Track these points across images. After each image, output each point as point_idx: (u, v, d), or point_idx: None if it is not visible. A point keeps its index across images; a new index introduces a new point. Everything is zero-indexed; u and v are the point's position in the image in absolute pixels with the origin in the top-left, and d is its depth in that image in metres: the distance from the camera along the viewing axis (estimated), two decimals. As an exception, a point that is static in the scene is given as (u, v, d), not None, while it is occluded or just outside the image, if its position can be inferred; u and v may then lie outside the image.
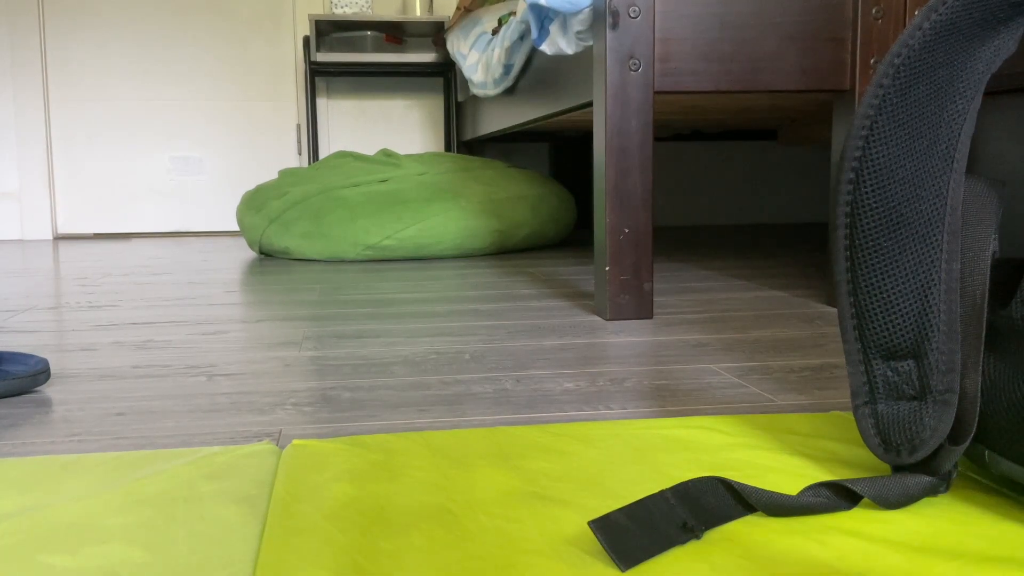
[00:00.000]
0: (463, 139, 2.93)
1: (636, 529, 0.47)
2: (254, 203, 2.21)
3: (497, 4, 2.15)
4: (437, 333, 1.13)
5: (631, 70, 1.16)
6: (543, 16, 1.47)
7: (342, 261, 2.09)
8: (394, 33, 2.85)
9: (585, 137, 2.98)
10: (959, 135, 0.59)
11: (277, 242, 2.14)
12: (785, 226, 2.97)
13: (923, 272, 0.58)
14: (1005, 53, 0.59)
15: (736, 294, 1.44)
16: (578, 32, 1.33)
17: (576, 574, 0.45)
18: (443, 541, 0.49)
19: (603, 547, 0.47)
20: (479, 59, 2.12)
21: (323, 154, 3.02)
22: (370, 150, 3.06)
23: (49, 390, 0.86)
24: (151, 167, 2.99)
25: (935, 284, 0.57)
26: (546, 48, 1.48)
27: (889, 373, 0.58)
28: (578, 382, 0.86)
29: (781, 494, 0.52)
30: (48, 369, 0.86)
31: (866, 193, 0.59)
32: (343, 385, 0.86)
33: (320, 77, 3.01)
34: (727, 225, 3.07)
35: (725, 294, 1.45)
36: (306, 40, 2.82)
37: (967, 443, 0.55)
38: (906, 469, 0.56)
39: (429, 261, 2.08)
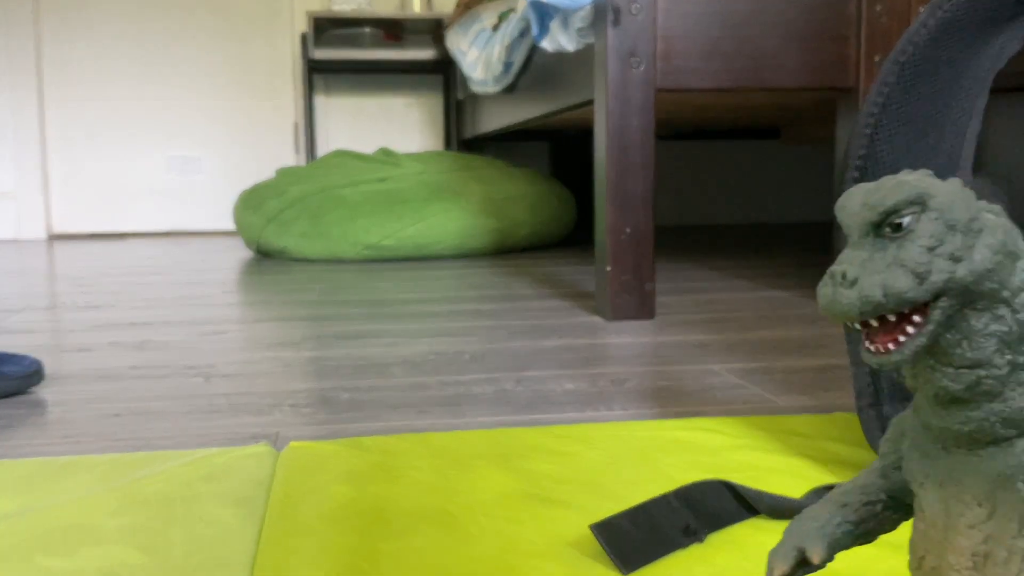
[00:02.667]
0: (463, 138, 2.92)
1: (638, 532, 0.47)
2: (252, 202, 2.20)
3: (497, 0, 2.15)
4: (437, 333, 1.12)
5: (632, 67, 1.15)
6: (544, 13, 1.46)
7: (341, 261, 2.09)
8: (393, 30, 2.85)
9: (586, 136, 2.97)
10: (964, 133, 0.58)
11: (275, 242, 2.13)
12: (788, 225, 2.97)
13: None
14: (1010, 51, 0.59)
15: (738, 294, 1.44)
16: (579, 29, 1.33)
17: (578, 578, 0.44)
18: (443, 543, 0.49)
19: (604, 550, 0.46)
20: (479, 56, 2.12)
21: (321, 153, 3.02)
22: (369, 148, 3.05)
23: (45, 391, 0.86)
24: (148, 166, 2.98)
25: (940, 284, 0.57)
26: (547, 45, 1.47)
27: (893, 374, 0.58)
28: (579, 383, 0.85)
29: (784, 497, 0.52)
30: (42, 370, 0.85)
31: (870, 192, 0.58)
32: (342, 386, 0.86)
33: (318, 74, 3.00)
34: (729, 224, 3.06)
35: (727, 294, 1.44)
36: (304, 37, 2.81)
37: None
38: (911, 471, 0.56)
39: (429, 261, 2.07)
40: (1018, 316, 0.25)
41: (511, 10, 1.94)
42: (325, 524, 0.52)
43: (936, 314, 0.25)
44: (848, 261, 0.25)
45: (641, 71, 1.16)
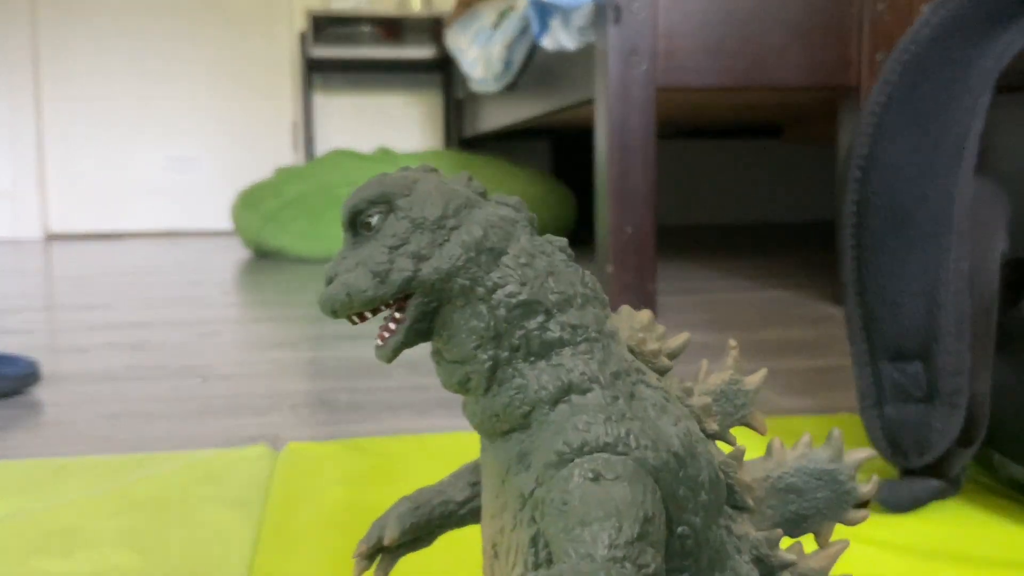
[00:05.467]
0: (463, 136, 2.91)
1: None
2: (250, 202, 2.20)
3: None
4: (436, 333, 1.12)
5: (633, 66, 1.15)
6: (544, 11, 1.46)
7: (340, 259, 2.08)
8: (392, 28, 2.84)
9: (587, 134, 2.96)
10: (968, 133, 0.58)
11: (273, 241, 2.13)
12: (791, 225, 2.96)
13: (931, 272, 0.57)
14: (1014, 49, 0.58)
15: (741, 294, 1.43)
16: (580, 27, 1.32)
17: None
18: (440, 545, 0.48)
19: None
20: (479, 55, 2.11)
21: (320, 151, 3.01)
22: (368, 147, 3.05)
23: (41, 392, 0.85)
24: (146, 165, 2.97)
25: (943, 284, 0.56)
26: (547, 43, 1.46)
27: (896, 375, 0.57)
28: (579, 383, 0.85)
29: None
30: (38, 371, 0.85)
31: (873, 191, 0.58)
32: (340, 387, 0.85)
33: (317, 73, 2.99)
34: (731, 224, 3.06)
35: (730, 294, 1.44)
36: (303, 35, 2.80)
37: (977, 446, 0.54)
38: (915, 473, 0.55)
39: (428, 259, 2.07)
40: (496, 312, 0.25)
41: (511, 8, 1.94)
42: (323, 526, 0.51)
43: (409, 312, 0.25)
44: (334, 260, 0.26)
45: (642, 69, 1.15)
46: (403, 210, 0.25)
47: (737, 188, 3.10)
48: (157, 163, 2.98)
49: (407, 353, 0.99)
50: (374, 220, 0.25)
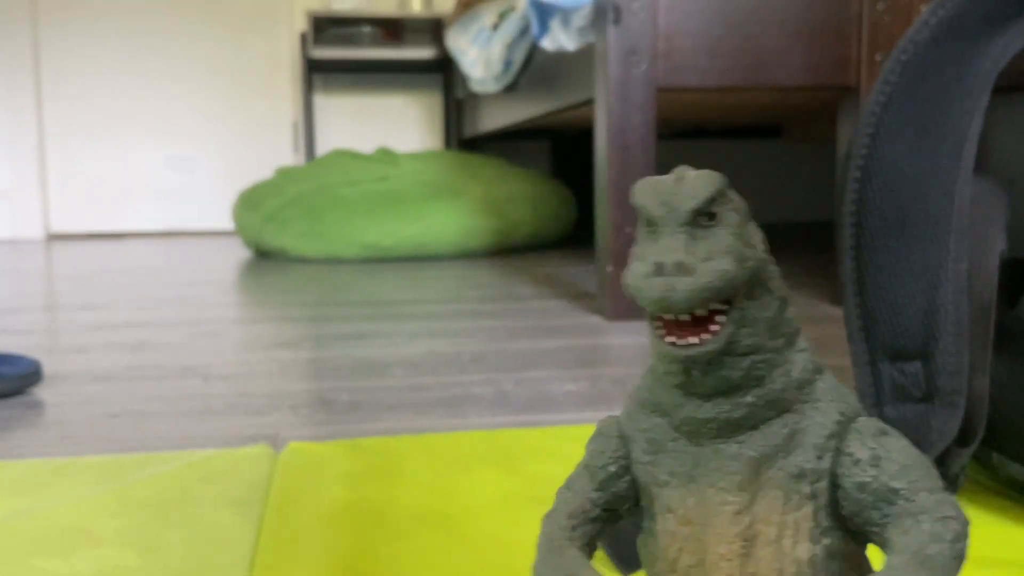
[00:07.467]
0: (463, 137, 2.91)
1: (639, 533, 0.46)
2: (250, 202, 2.20)
3: None
4: (436, 334, 1.12)
5: (633, 66, 1.15)
6: (544, 11, 1.46)
7: (339, 260, 2.08)
8: (392, 29, 2.84)
9: (587, 135, 2.96)
10: (967, 133, 0.58)
11: (274, 241, 2.13)
12: (790, 225, 2.96)
13: (930, 272, 0.57)
14: (1013, 49, 0.58)
15: (737, 293, 1.43)
16: (580, 27, 1.32)
17: (578, 582, 0.44)
18: (442, 546, 0.48)
19: (605, 552, 0.46)
20: (479, 55, 2.11)
21: (320, 152, 3.01)
22: (368, 148, 3.05)
23: (42, 392, 0.85)
24: (146, 165, 2.98)
25: (943, 284, 0.56)
26: (547, 44, 1.47)
27: (896, 375, 0.57)
28: (579, 384, 0.85)
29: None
30: (40, 370, 0.85)
31: (872, 192, 0.58)
32: (341, 387, 0.85)
33: (317, 73, 2.99)
34: (727, 223, 3.06)
35: (726, 293, 1.44)
36: (303, 36, 2.80)
37: (975, 445, 0.54)
38: (914, 473, 0.55)
39: (428, 261, 2.07)
40: (774, 304, 0.26)
41: (511, 8, 1.94)
42: (324, 526, 0.51)
43: (737, 299, 0.25)
44: (673, 250, 0.25)
45: (642, 70, 1.15)
46: (732, 201, 0.26)
47: (737, 188, 3.10)
48: (157, 163, 2.98)
49: (406, 352, 1.00)
50: (720, 210, 0.26)
